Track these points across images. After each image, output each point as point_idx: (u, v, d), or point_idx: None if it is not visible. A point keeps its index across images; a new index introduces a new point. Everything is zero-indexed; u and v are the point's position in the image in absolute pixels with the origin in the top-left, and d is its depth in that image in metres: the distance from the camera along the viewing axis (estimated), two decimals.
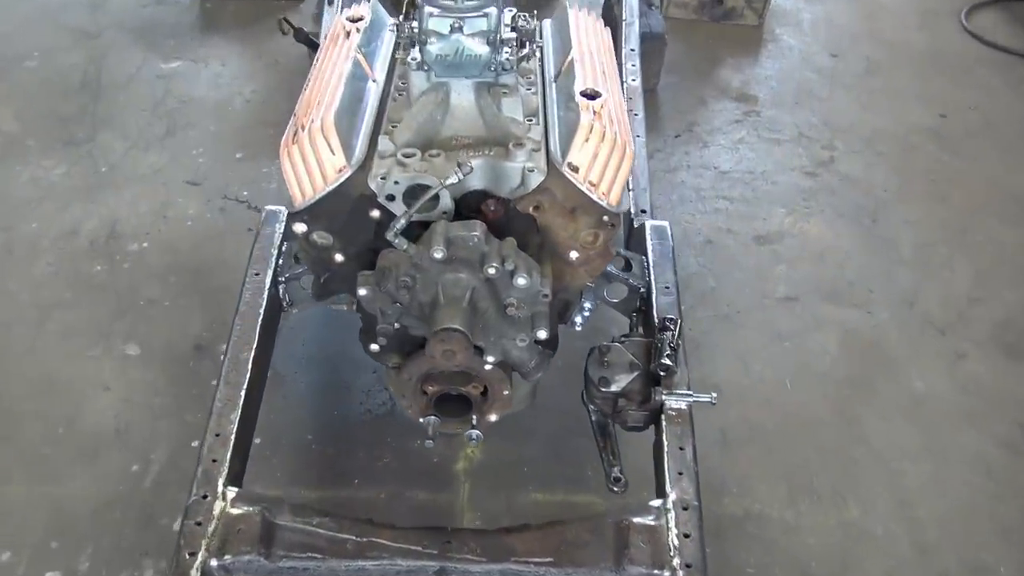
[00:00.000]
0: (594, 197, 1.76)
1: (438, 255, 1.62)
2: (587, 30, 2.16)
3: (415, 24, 1.85)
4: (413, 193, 1.70)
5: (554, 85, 2.01)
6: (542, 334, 1.76)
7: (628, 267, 2.25)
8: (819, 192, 3.44)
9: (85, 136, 3.52)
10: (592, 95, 1.85)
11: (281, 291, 2.22)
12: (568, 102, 1.87)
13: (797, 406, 2.67)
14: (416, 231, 1.73)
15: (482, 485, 2.42)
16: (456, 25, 1.72)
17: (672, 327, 2.02)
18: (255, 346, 2.01)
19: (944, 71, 4.19)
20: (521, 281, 1.67)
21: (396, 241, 1.63)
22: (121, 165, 3.39)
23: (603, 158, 1.77)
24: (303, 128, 1.76)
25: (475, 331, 1.69)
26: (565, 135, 1.81)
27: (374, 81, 1.99)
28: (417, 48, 1.77)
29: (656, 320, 2.10)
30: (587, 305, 2.07)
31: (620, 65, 3.21)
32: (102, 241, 3.08)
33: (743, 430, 2.59)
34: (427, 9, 1.77)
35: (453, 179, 1.63)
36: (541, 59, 2.12)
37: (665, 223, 2.40)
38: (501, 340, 1.77)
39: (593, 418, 2.09)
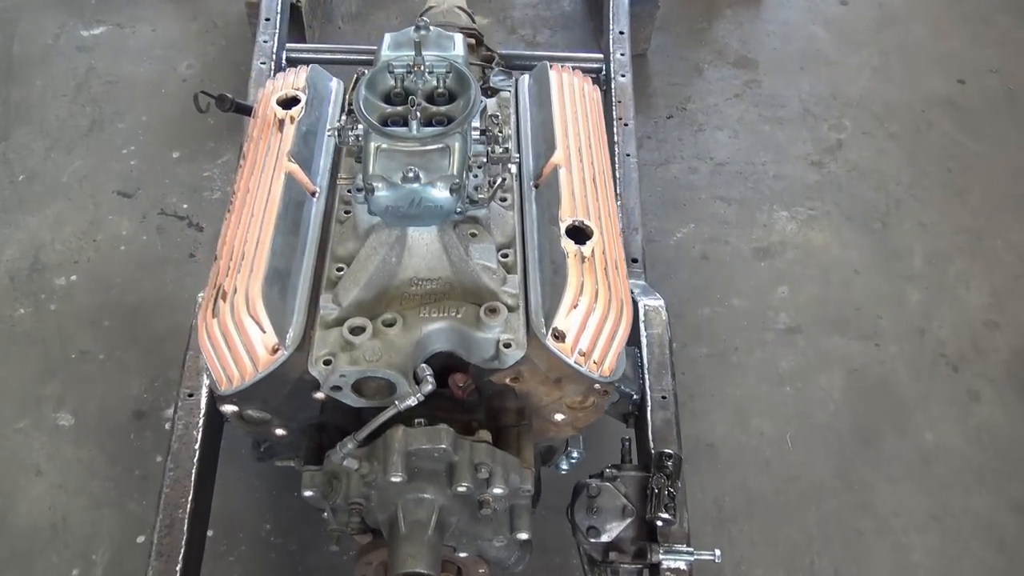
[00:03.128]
0: (583, 370, 1.47)
1: (396, 479, 1.34)
2: (573, 105, 1.78)
3: (359, 132, 1.48)
4: (363, 383, 1.39)
5: (534, 195, 1.66)
6: (523, 535, 1.50)
7: None
8: (825, 188, 3.11)
9: None
10: (581, 233, 1.52)
11: None
12: (552, 237, 1.53)
13: (798, 467, 2.47)
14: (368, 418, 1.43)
15: None
16: (411, 174, 1.36)
17: (670, 464, 1.77)
18: (191, 497, 1.74)
19: (963, 21, 3.76)
20: (498, 491, 1.39)
21: (344, 463, 1.34)
22: (41, 172, 2.99)
23: (595, 322, 1.46)
24: (224, 298, 1.42)
25: (443, 544, 1.43)
26: (549, 289, 1.49)
27: (313, 195, 1.63)
28: (363, 192, 1.42)
29: (652, 445, 1.85)
30: (575, 453, 1.80)
31: (607, 57, 2.81)
32: (24, 275, 2.73)
33: (740, 500, 2.40)
34: (373, 143, 1.40)
35: (410, 402, 1.33)
36: (519, 143, 1.75)
37: (660, 302, 2.09)
38: (475, 541, 1.51)
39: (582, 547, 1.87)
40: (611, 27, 2.89)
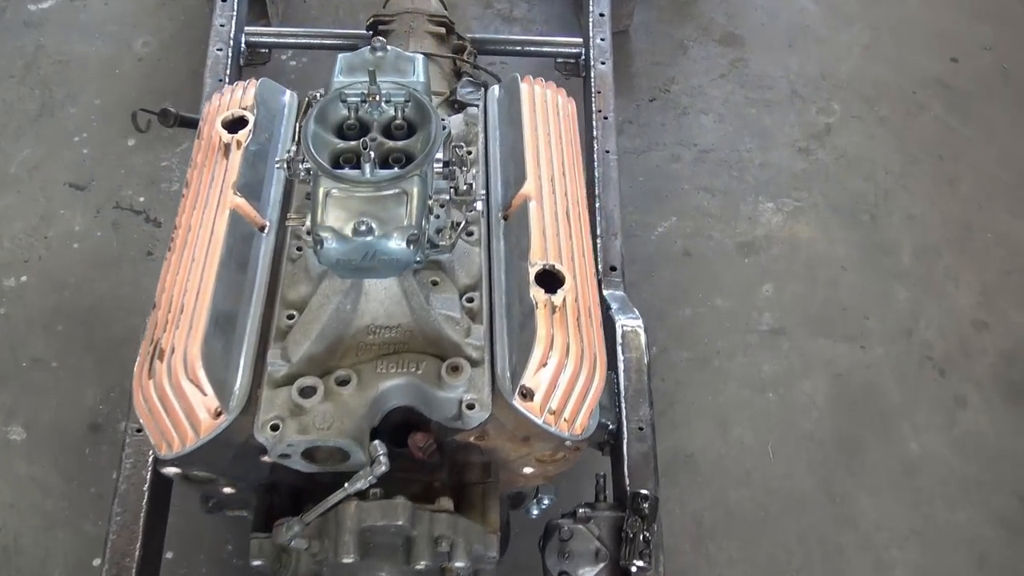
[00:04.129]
0: (553, 430, 1.36)
1: (348, 560, 1.24)
2: (545, 125, 1.65)
3: (308, 167, 1.35)
4: (315, 450, 1.29)
5: (502, 229, 1.53)
6: None
7: None
8: (813, 177, 3.00)
9: None
10: (552, 278, 1.40)
11: None
12: (520, 280, 1.42)
13: (780, 479, 2.40)
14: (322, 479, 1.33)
15: None
16: (363, 227, 1.23)
17: (646, 506, 1.68)
18: (140, 544, 1.64)
19: None
20: (460, 564, 1.30)
21: (293, 544, 1.24)
22: None
23: (566, 380, 1.36)
24: (161, 358, 1.30)
25: None
26: (517, 343, 1.38)
27: (263, 230, 1.50)
28: (312, 241, 1.29)
29: (627, 483, 1.76)
30: (546, 500, 1.71)
31: (587, 42, 2.65)
32: None
33: (720, 516, 2.33)
34: (323, 188, 1.27)
35: (360, 485, 1.22)
36: (487, 167, 1.62)
37: (639, 323, 1.99)
38: None
39: None
40: (591, 8, 2.73)
